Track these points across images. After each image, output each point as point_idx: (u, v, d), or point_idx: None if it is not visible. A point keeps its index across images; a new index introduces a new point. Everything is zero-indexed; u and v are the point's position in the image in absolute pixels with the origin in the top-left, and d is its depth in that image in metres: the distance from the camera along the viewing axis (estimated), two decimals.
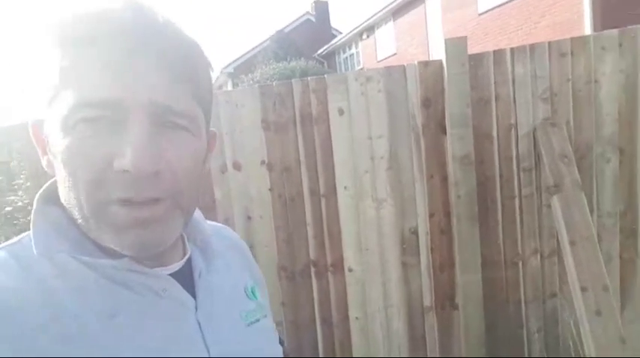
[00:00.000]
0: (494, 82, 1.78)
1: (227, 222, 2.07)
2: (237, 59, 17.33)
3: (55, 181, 0.43)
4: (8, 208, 2.94)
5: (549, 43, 1.74)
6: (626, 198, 1.84)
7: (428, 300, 1.97)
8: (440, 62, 1.79)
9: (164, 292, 0.45)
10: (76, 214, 0.40)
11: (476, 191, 1.79)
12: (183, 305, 0.46)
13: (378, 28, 13.69)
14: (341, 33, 17.21)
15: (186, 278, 0.48)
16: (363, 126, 1.89)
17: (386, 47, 13.25)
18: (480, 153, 1.81)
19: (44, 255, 0.40)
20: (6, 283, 0.38)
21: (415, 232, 1.94)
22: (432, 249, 1.93)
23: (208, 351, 0.45)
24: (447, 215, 1.90)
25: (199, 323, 0.46)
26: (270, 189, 2.00)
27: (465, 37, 1.72)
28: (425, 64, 1.81)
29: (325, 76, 1.91)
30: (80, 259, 0.41)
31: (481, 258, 1.84)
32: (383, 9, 12.43)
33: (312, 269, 2.03)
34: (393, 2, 11.88)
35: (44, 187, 0.44)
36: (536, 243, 1.87)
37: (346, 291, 2.02)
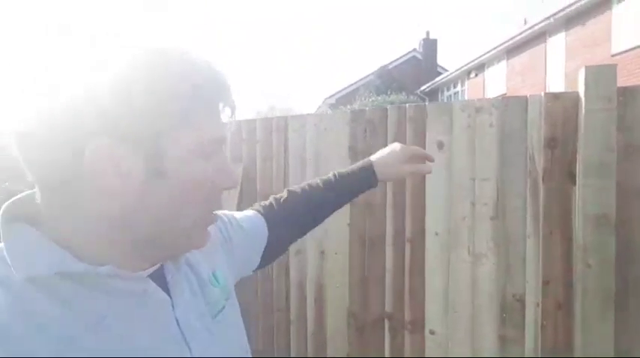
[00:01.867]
0: None
1: (298, 253, 1.91)
2: (340, 91, 17.81)
3: (17, 199, 0.46)
4: None
5: None
6: None
7: None
8: (575, 95, 1.44)
9: (144, 293, 0.48)
10: (175, 228, 0.47)
11: (614, 261, 1.36)
12: (162, 305, 0.50)
13: (488, 67, 13.00)
14: (447, 71, 16.73)
15: (160, 278, 0.51)
16: (466, 164, 1.60)
17: (495, 86, 12.46)
18: (624, 213, 1.39)
19: (27, 277, 0.41)
20: None
21: (521, 300, 1.55)
22: (542, 325, 1.52)
23: (189, 348, 0.50)
24: (569, 285, 1.48)
25: (177, 321, 0.50)
26: (349, 225, 1.79)
27: (615, 66, 1.36)
28: (554, 97, 1.48)
29: (426, 104, 1.68)
30: (60, 271, 0.42)
31: (614, 352, 1.38)
32: (497, 46, 11.78)
33: (387, 324, 1.75)
34: (509, 40, 11.19)
35: (4, 208, 0.45)
36: None
37: (424, 356, 1.68)
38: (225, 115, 0.50)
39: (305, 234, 0.91)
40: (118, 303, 0.45)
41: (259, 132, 2.04)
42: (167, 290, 0.51)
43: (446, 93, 16.26)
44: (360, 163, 0.92)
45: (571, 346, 1.48)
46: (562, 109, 1.48)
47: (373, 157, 0.92)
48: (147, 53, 0.43)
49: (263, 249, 0.78)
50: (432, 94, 16.94)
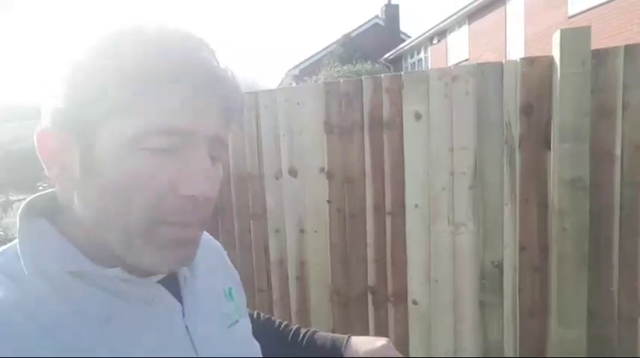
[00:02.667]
0: (623, 86, 1.39)
1: (277, 232, 1.86)
2: (303, 62, 17.43)
3: (40, 195, 0.45)
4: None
5: None
6: None
7: (510, 351, 1.60)
8: (550, 59, 1.43)
9: (153, 300, 0.46)
10: (114, 231, 0.41)
11: (588, 224, 1.40)
12: (172, 311, 0.48)
13: (450, 32, 13.01)
14: (410, 37, 16.66)
15: (172, 284, 0.49)
16: (444, 134, 1.58)
17: (458, 52, 12.54)
18: (597, 177, 1.42)
19: (35, 274, 0.40)
20: None
21: (499, 266, 1.58)
22: (520, 289, 1.57)
23: (197, 354, 0.48)
24: (544, 250, 1.52)
25: (187, 328, 0.48)
26: (328, 201, 1.75)
27: (589, 28, 1.35)
28: (530, 61, 1.46)
29: (402, 73, 1.63)
30: (71, 270, 0.41)
31: (587, 310, 1.44)
32: (458, 12, 11.77)
33: (370, 297, 1.75)
34: (469, 4, 11.20)
35: (26, 202, 0.45)
36: None
37: (408, 327, 1.71)
38: (189, 101, 0.40)
39: None
40: (126, 307, 0.44)
41: None
42: (180, 296, 0.49)
43: (409, 61, 16.25)
44: (335, 338, 0.75)
45: (547, 308, 1.54)
46: (537, 75, 1.47)
47: (353, 339, 0.74)
48: (95, 35, 0.40)
49: None
50: (396, 62, 16.89)
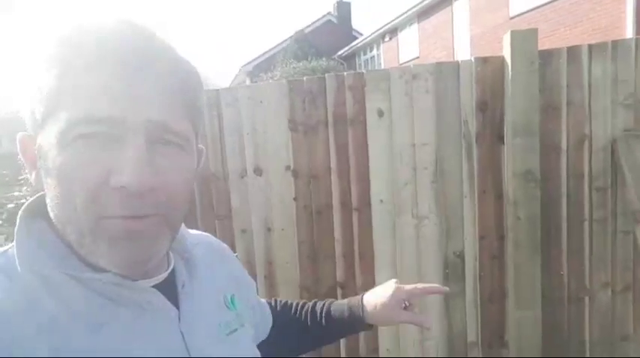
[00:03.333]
0: (567, 85, 1.50)
1: (244, 232, 1.84)
2: (257, 58, 17.20)
3: (41, 196, 0.44)
4: (10, 205, 2.78)
5: (637, 39, 1.45)
6: None
7: (473, 335, 1.69)
8: (502, 59, 1.52)
9: (148, 304, 0.45)
10: (69, 230, 0.40)
11: (539, 213, 1.51)
12: (167, 317, 0.47)
13: (401, 30, 13.36)
14: (362, 34, 16.93)
15: (169, 289, 0.48)
16: (406, 131, 1.63)
17: (409, 50, 12.91)
18: (546, 169, 1.53)
19: (28, 273, 0.40)
20: None
21: (461, 256, 1.67)
22: (480, 276, 1.66)
23: None
24: (501, 238, 1.62)
25: (182, 334, 0.47)
26: (294, 199, 1.75)
27: (536, 30, 1.44)
28: (483, 61, 1.54)
29: (364, 71, 1.66)
30: (65, 272, 0.41)
31: (541, 292, 1.56)
32: (408, 10, 12.11)
33: (339, 292, 1.78)
34: (418, 4, 11.55)
35: (28, 202, 0.44)
36: (607, 276, 1.58)
37: None
38: (112, 88, 0.39)
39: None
40: (120, 312, 0.43)
41: None
42: (177, 301, 0.48)
43: (362, 57, 16.51)
44: (351, 305, 0.76)
45: (505, 292, 1.64)
46: (491, 73, 1.55)
47: (366, 297, 0.77)
48: (45, 37, 0.40)
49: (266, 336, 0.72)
50: (350, 59, 17.10)
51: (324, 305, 0.77)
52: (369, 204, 1.69)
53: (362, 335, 1.76)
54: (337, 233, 1.74)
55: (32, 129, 0.42)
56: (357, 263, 1.74)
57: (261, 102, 1.76)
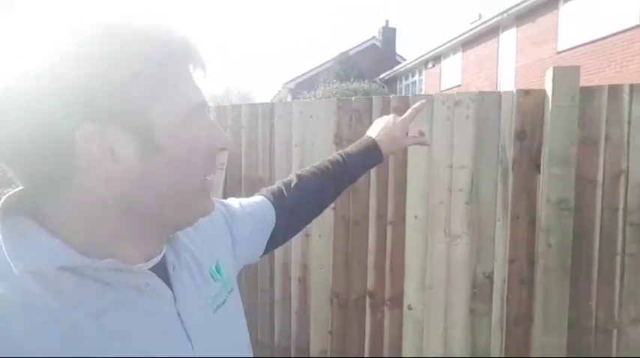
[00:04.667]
0: (606, 121, 1.56)
1: None
2: (300, 76, 17.69)
3: (14, 194, 0.44)
4: None
5: None
6: None
7: (496, 356, 1.73)
8: (543, 92, 1.60)
9: (146, 286, 0.46)
10: (175, 201, 0.46)
11: (571, 241, 1.55)
12: (164, 298, 0.48)
13: (445, 57, 13.44)
14: (405, 60, 17.11)
15: (162, 271, 0.50)
16: (445, 153, 1.73)
17: (451, 78, 12.94)
18: (580, 200, 1.58)
19: (25, 272, 0.40)
20: None
21: (490, 277, 1.72)
22: (507, 299, 1.71)
23: (190, 341, 0.49)
24: (531, 263, 1.67)
25: (179, 314, 0.49)
26: (333, 208, 1.88)
27: (578, 67, 1.52)
28: (525, 93, 1.63)
29: (410, 95, 1.78)
30: (62, 265, 0.41)
31: (568, 320, 1.58)
32: (453, 39, 12.20)
33: (368, 301, 1.87)
34: (464, 33, 11.63)
35: (3, 200, 0.43)
36: (637, 311, 1.59)
37: (402, 330, 1.83)
38: (198, 76, 0.48)
39: (312, 219, 0.87)
40: (119, 297, 0.44)
41: (244, 117, 2.06)
42: (169, 283, 0.50)
43: (404, 82, 16.66)
44: (362, 143, 0.90)
45: (531, 316, 1.67)
46: (532, 105, 1.63)
47: (373, 134, 0.92)
48: (108, 27, 0.40)
49: (269, 236, 0.76)
50: (391, 82, 17.29)
51: (341, 155, 0.88)
52: (403, 219, 1.79)
53: (386, 348, 1.83)
54: (371, 244, 1.85)
55: (90, 122, 0.39)
56: (388, 274, 1.83)
57: (310, 117, 1.92)
